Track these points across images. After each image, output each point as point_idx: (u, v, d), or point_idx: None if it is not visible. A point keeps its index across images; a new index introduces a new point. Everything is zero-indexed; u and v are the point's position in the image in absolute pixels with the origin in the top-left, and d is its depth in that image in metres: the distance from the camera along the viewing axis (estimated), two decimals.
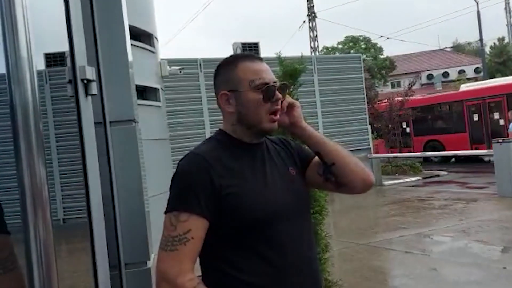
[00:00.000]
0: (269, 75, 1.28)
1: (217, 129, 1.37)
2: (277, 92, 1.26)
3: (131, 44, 3.44)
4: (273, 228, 1.22)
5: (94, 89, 1.35)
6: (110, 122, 1.72)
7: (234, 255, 1.21)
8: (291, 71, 2.14)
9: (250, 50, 10.93)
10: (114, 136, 1.71)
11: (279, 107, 1.28)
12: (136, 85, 3.58)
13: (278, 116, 1.29)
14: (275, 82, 1.28)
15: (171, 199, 1.22)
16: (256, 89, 1.25)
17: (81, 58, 1.30)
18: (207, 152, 1.25)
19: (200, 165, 1.21)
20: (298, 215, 1.29)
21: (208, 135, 10.93)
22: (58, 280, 1.09)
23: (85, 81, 1.30)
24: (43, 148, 1.01)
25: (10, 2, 0.95)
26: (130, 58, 1.92)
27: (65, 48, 1.30)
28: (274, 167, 1.31)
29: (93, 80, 1.33)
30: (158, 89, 3.91)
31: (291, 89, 2.19)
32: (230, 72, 1.29)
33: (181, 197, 1.19)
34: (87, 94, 1.32)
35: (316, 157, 1.40)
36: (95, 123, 1.55)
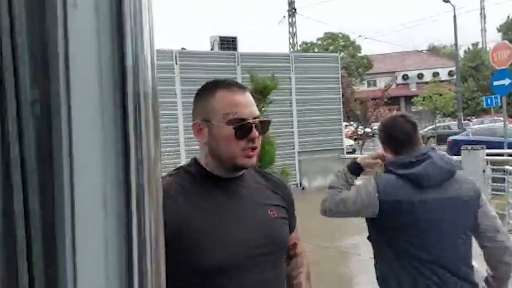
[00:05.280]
0: (248, 109, 1.16)
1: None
2: (254, 130, 1.14)
3: None
4: (240, 276, 1.09)
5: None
6: None
7: None
8: (262, 88, 2.06)
9: (228, 45, 10.77)
10: None
11: (255, 145, 1.15)
12: None
13: (255, 153, 1.16)
14: (255, 118, 1.15)
15: None
16: (230, 123, 1.13)
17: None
18: (172, 184, 1.14)
19: None
20: (270, 263, 1.16)
21: (181, 128, 10.87)
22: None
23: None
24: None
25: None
26: None
27: None
28: (251, 207, 1.19)
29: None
30: None
31: (261, 107, 2.11)
32: (207, 99, 1.18)
33: None
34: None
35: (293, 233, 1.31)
36: None
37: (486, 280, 1.80)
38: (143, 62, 0.32)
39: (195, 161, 1.22)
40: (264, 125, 1.19)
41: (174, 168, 1.25)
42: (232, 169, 1.17)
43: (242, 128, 1.13)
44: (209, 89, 1.20)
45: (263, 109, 1.95)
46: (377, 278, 1.81)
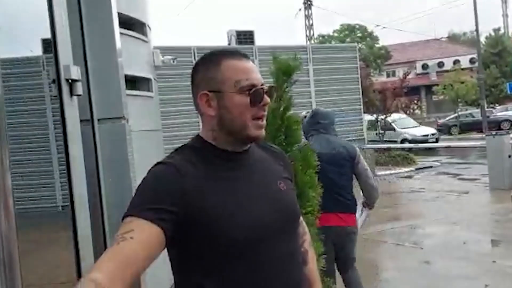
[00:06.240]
0: (257, 75, 1.12)
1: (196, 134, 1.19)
2: (265, 96, 1.11)
3: (123, 33, 3.36)
4: (256, 251, 1.06)
5: (79, 89, 1.30)
6: (98, 119, 1.68)
7: (209, 283, 1.05)
8: (285, 69, 2.09)
9: (245, 38, 10.80)
10: (102, 134, 1.67)
11: (265, 112, 1.13)
12: (128, 75, 3.51)
13: (264, 123, 1.13)
14: (263, 84, 1.12)
15: (127, 208, 1.02)
16: (242, 91, 1.09)
17: (65, 56, 1.25)
18: (180, 161, 1.08)
19: (168, 175, 1.05)
20: (285, 236, 1.14)
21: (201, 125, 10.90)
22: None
23: (70, 81, 1.25)
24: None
25: None
26: (119, 57, 1.87)
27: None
28: (260, 180, 1.16)
29: (78, 80, 1.29)
30: (151, 79, 3.84)
31: (285, 87, 2.14)
32: (213, 70, 1.12)
33: (136, 205, 1.01)
34: (72, 94, 1.27)
35: None
36: (83, 120, 1.52)
37: (363, 203, 3.29)
38: None
39: (199, 138, 1.17)
40: (271, 92, 1.16)
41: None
42: (243, 141, 1.14)
43: (255, 94, 1.10)
44: (211, 59, 1.14)
45: (286, 89, 1.95)
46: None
